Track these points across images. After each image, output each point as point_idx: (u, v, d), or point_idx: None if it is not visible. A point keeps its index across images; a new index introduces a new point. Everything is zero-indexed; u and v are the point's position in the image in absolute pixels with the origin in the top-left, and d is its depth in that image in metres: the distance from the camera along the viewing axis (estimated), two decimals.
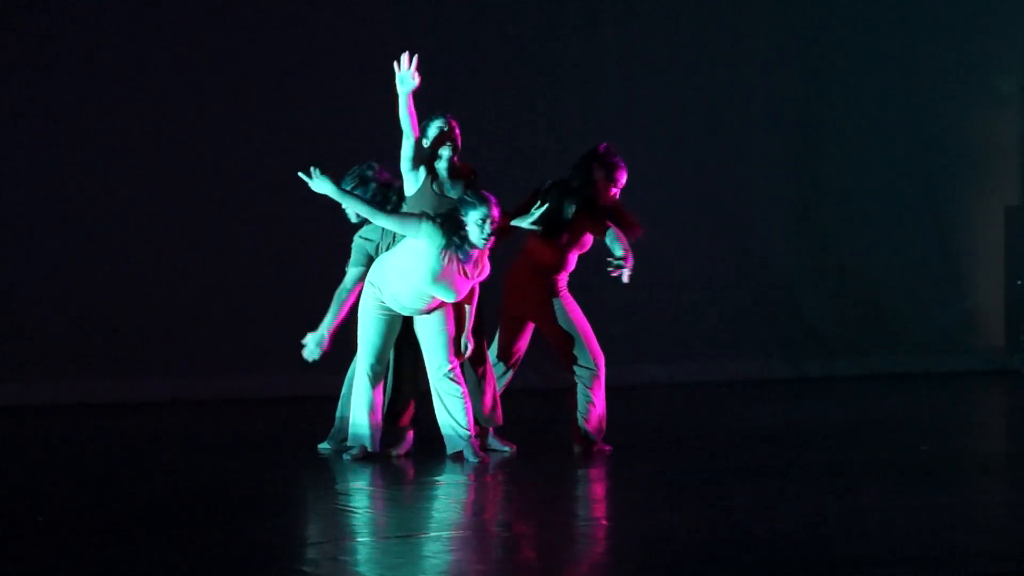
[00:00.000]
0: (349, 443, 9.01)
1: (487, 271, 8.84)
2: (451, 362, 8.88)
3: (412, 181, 8.95)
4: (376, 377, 8.95)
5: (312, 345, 9.01)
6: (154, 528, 6.86)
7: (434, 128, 8.98)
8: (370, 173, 9.11)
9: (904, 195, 15.11)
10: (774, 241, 14.63)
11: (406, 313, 8.92)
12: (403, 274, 8.74)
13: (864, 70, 14.93)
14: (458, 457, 8.81)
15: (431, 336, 8.91)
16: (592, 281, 13.43)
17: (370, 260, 9.05)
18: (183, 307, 12.47)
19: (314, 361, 9.05)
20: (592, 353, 9.19)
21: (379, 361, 8.96)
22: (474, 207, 8.60)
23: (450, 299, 8.78)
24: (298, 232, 12.47)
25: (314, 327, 9.03)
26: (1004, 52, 15.44)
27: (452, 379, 8.86)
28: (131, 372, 12.33)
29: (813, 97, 14.78)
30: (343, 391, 9.36)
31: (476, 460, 8.80)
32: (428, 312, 8.88)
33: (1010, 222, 15.31)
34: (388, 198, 9.04)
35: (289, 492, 8.04)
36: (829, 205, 14.85)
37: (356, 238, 9.13)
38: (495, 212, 8.62)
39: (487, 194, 8.68)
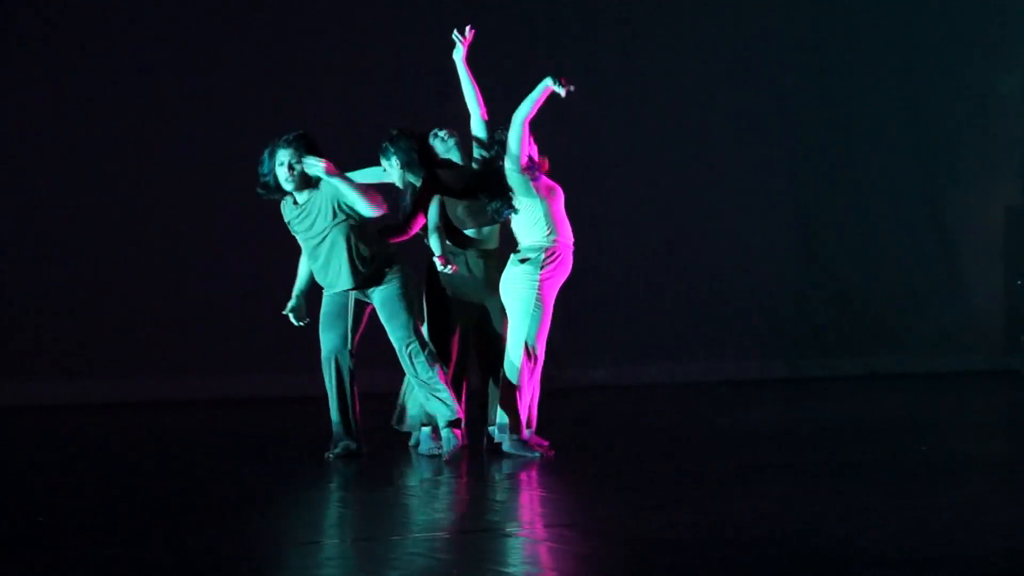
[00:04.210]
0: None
1: None
2: None
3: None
4: None
5: None
6: (154, 528, 6.86)
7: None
8: None
9: (904, 195, 15.11)
10: (774, 241, 14.63)
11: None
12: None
13: (865, 71, 14.94)
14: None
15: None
16: (592, 283, 13.50)
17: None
18: (183, 307, 12.48)
19: None
20: None
21: None
22: None
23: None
24: None
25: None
26: (1004, 52, 15.44)
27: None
28: (131, 372, 12.34)
29: (814, 98, 14.78)
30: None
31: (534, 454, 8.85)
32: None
33: (1010, 222, 15.31)
34: None
35: (289, 492, 8.04)
36: (829, 205, 14.85)
37: None
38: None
39: None
